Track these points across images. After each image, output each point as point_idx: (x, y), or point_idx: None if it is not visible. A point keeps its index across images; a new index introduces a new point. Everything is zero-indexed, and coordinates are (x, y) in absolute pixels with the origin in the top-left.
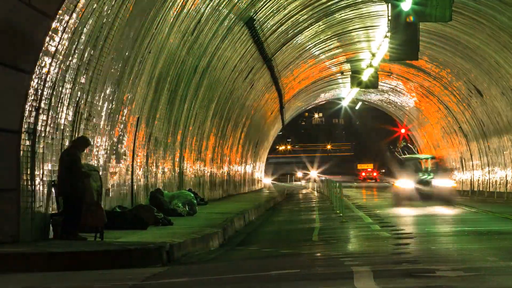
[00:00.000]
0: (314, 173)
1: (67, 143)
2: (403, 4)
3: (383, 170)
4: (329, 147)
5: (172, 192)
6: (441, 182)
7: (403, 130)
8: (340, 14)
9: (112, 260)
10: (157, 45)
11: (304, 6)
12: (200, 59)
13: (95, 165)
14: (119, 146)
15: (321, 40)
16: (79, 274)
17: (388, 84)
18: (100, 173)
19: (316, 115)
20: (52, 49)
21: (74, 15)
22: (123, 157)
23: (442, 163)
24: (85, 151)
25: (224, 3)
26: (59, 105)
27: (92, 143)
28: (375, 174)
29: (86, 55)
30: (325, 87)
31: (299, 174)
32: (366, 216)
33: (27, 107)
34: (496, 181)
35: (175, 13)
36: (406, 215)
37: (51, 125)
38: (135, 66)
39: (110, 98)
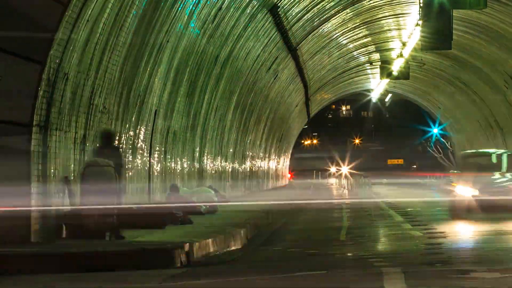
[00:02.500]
0: (345, 169)
1: (81, 137)
2: None
3: (414, 166)
4: (357, 141)
5: (191, 189)
6: None
7: (435, 129)
8: (369, 1)
9: (128, 261)
10: (175, 33)
11: None
12: (221, 49)
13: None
14: (135, 140)
15: (348, 28)
16: (93, 275)
17: (419, 75)
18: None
19: (343, 108)
20: (65, 37)
21: (89, 2)
22: (140, 152)
23: None
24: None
25: None
26: (73, 97)
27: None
28: None
29: (101, 44)
30: (353, 78)
31: (332, 169)
32: (397, 214)
33: (39, 99)
34: None
35: (194, 0)
36: (439, 213)
37: (64, 118)
38: (153, 55)
39: (126, 89)
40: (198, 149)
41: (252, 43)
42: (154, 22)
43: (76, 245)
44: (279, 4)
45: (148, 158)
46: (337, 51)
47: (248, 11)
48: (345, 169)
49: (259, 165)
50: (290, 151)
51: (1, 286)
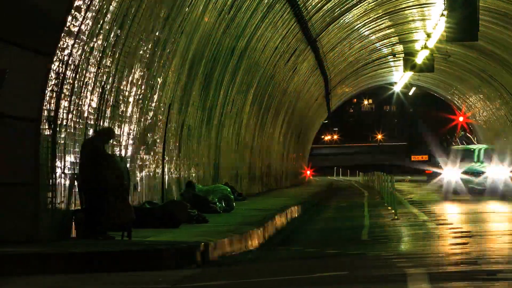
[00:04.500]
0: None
1: (91, 133)
2: None
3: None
4: (379, 136)
5: (207, 186)
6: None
7: (461, 118)
8: None
9: (141, 261)
10: (190, 24)
11: None
12: (237, 40)
13: (123, 156)
14: (148, 135)
15: (370, 19)
16: (103, 276)
17: (444, 67)
18: (128, 165)
19: (365, 102)
20: (75, 29)
21: None
22: (153, 147)
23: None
24: (111, 142)
25: None
26: (83, 91)
27: (118, 133)
28: None
29: (112, 35)
30: (375, 71)
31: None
32: (421, 213)
33: (47, 93)
34: None
35: None
36: (465, 212)
37: (74, 113)
38: (167, 47)
39: (139, 82)
40: (214, 144)
41: (270, 34)
42: (168, 12)
43: (85, 244)
44: None
45: (161, 154)
46: (359, 43)
47: (265, 1)
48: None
49: (277, 162)
50: (310, 147)
51: (6, 287)
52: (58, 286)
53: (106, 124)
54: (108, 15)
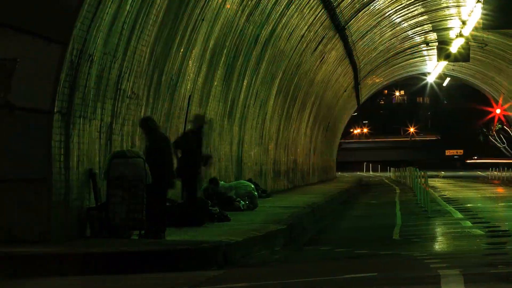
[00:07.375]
0: None
1: (107, 125)
2: None
3: (475, 157)
4: (412, 130)
5: (229, 182)
6: None
7: (498, 111)
8: None
9: (159, 262)
10: (212, 11)
11: None
12: (262, 28)
13: (139, 151)
14: (167, 128)
15: (402, 5)
16: (120, 278)
17: (481, 56)
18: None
19: (397, 93)
20: (90, 15)
21: None
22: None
23: None
24: (128, 136)
25: None
26: (98, 81)
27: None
28: None
29: (129, 22)
30: (407, 60)
31: None
32: (456, 211)
33: (61, 84)
34: None
35: None
36: (503, 209)
37: (89, 104)
38: (186, 35)
39: (157, 72)
40: (236, 138)
41: (296, 21)
42: None
43: (101, 244)
44: None
45: None
46: (390, 31)
47: None
48: None
49: (304, 157)
50: (338, 141)
51: None
52: None
53: (121, 117)
54: (126, 2)
